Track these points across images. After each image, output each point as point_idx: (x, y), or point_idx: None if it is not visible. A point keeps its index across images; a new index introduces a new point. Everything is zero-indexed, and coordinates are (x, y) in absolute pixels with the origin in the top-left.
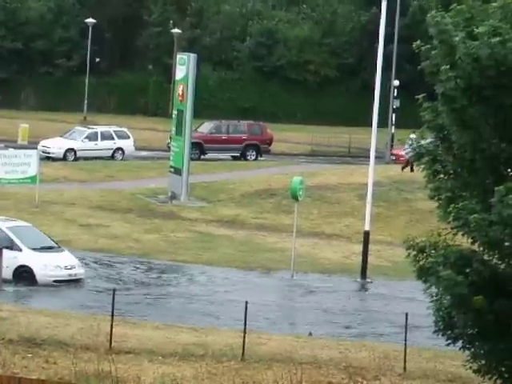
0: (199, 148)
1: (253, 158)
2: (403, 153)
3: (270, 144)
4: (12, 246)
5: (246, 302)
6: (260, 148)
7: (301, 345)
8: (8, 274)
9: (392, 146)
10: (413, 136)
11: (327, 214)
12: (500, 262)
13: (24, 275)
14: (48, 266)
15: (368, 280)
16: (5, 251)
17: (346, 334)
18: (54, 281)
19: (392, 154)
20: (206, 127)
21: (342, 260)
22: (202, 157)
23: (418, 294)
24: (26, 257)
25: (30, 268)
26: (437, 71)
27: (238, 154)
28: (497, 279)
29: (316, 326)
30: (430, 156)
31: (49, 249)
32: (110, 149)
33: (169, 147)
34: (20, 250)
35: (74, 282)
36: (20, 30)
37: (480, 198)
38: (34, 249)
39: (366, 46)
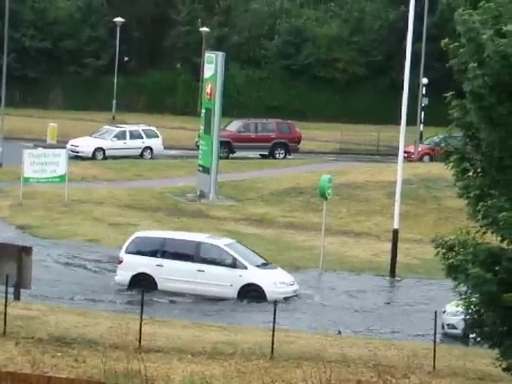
0: (228, 146)
1: (281, 156)
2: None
3: (298, 142)
4: (235, 264)
5: (275, 301)
6: (289, 146)
7: (330, 343)
8: (232, 292)
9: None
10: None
11: (356, 212)
12: None
13: (252, 294)
14: (276, 283)
15: (397, 278)
16: (227, 270)
17: (375, 333)
18: (284, 298)
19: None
20: (235, 126)
21: (370, 258)
22: (231, 155)
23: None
24: (252, 275)
25: (259, 286)
26: (465, 69)
27: (267, 153)
28: None
29: (345, 325)
30: (459, 154)
31: (266, 265)
32: (138, 148)
33: (197, 146)
34: (245, 268)
35: (295, 297)
36: (48, 30)
37: (509, 196)
38: (257, 266)
39: (395, 43)
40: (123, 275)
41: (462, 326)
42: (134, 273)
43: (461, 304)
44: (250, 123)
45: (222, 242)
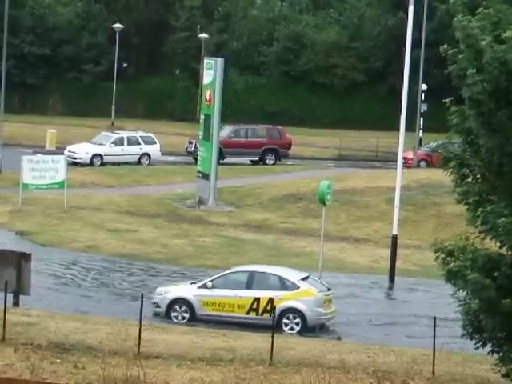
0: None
1: (272, 162)
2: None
3: (288, 148)
4: None
5: (274, 308)
6: (279, 152)
7: (329, 349)
8: None
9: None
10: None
11: (355, 218)
12: None
13: None
14: None
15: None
16: None
17: (374, 338)
18: None
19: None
20: (225, 132)
21: (369, 264)
22: (221, 161)
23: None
24: None
25: None
26: (464, 75)
27: (257, 159)
28: None
29: (344, 330)
30: (458, 160)
31: None
32: (136, 154)
33: (188, 152)
34: None
35: None
36: (48, 36)
37: (508, 202)
38: None
39: (393, 50)
40: None
41: (164, 304)
42: None
43: (169, 286)
44: (241, 129)
45: None
